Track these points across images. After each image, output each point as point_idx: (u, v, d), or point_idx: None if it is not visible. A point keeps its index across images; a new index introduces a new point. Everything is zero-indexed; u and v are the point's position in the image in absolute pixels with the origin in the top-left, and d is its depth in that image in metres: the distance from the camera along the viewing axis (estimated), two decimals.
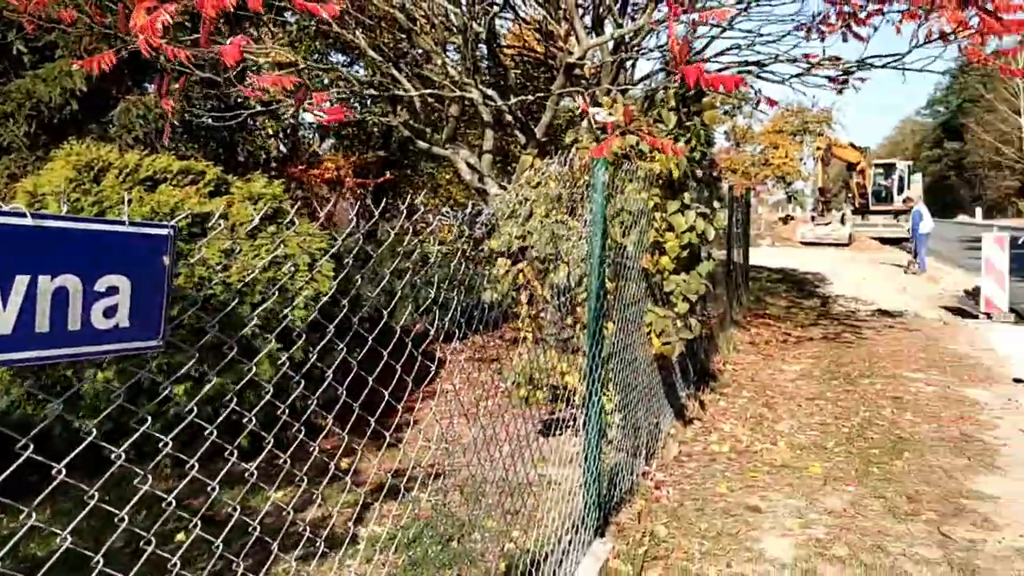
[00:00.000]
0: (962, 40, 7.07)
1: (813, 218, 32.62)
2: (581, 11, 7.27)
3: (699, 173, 5.00)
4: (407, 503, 4.12)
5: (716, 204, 5.09)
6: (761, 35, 9.23)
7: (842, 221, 33.76)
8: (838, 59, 8.90)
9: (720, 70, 10.44)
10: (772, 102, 9.68)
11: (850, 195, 36.51)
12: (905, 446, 5.74)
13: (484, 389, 5.61)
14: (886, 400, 7.04)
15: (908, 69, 8.42)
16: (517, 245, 4.60)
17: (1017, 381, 7.92)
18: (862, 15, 8.07)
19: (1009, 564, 3.91)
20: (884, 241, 31.69)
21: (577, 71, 6.90)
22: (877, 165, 35.42)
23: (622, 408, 4.70)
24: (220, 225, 5.28)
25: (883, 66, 8.40)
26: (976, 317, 12.06)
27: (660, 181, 4.63)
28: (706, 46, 10.39)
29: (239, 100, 10.23)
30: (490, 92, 6.87)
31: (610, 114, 4.31)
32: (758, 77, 9.23)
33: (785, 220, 36.68)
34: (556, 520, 3.70)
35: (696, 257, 5.05)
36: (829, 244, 31.21)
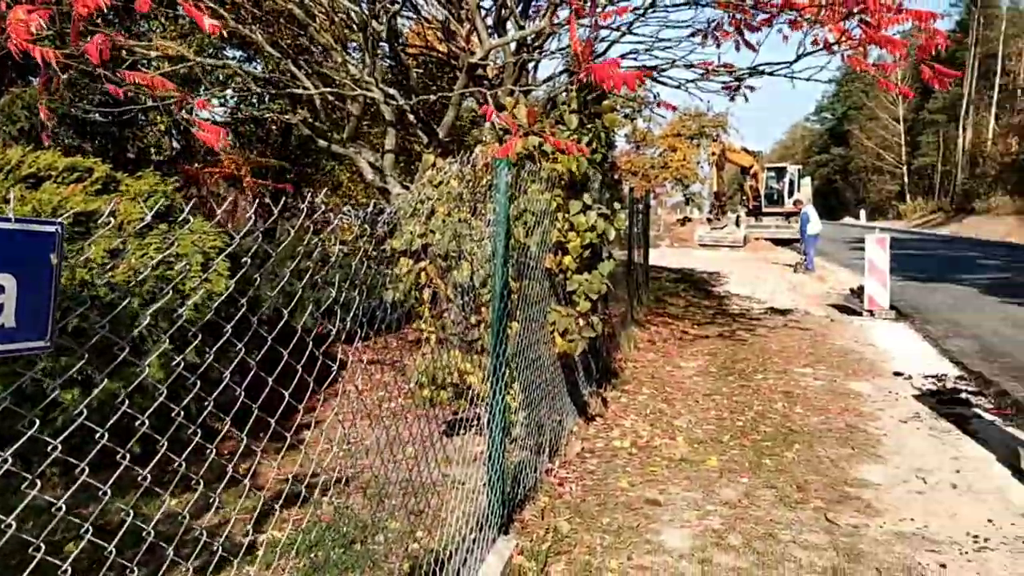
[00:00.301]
0: (845, 50, 7.44)
1: (709, 220, 33.63)
2: (483, 12, 7.30)
3: (600, 175, 5.09)
4: (308, 506, 4.05)
5: (617, 205, 5.20)
6: (660, 40, 9.40)
7: (737, 223, 34.96)
8: (731, 67, 9.22)
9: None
10: (670, 106, 9.94)
11: (744, 198, 37.88)
12: (795, 438, 5.99)
13: (387, 390, 5.56)
14: (778, 395, 7.32)
15: (796, 77, 8.75)
16: (419, 244, 4.58)
17: (897, 374, 8.37)
18: (754, 23, 8.39)
19: (890, 547, 4.13)
20: (776, 242, 32.92)
21: (480, 72, 6.93)
22: (769, 169, 36.80)
23: (526, 406, 4.75)
24: (108, 224, 5.06)
25: (771, 73, 8.74)
26: (860, 314, 12.68)
27: (562, 182, 4.70)
28: (607, 50, 10.59)
29: (129, 95, 9.84)
30: (392, 91, 6.82)
31: (513, 115, 4.35)
32: (656, 81, 9.47)
33: (683, 222, 37.73)
34: (460, 519, 3.70)
35: (598, 257, 5.14)
36: (725, 246, 32.27)
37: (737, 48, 8.90)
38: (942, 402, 7.19)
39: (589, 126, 4.86)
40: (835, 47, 7.60)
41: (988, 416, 6.73)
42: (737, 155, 34.98)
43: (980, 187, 55.75)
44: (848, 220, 70.56)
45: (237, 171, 11.10)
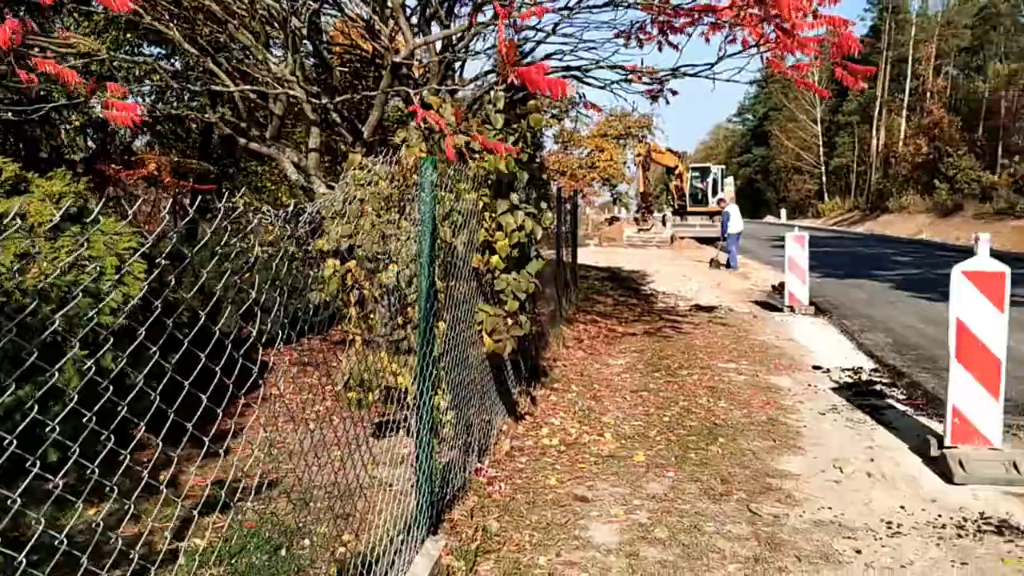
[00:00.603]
0: (764, 52, 7.63)
1: (636, 220, 34.10)
2: (408, 10, 7.26)
3: (528, 174, 5.12)
4: (231, 513, 3.96)
5: (544, 204, 5.23)
6: (584, 41, 9.50)
7: (663, 223, 35.61)
8: (653, 70, 9.37)
9: (546, 75, 10.73)
10: (596, 107, 10.05)
11: (670, 197, 38.58)
12: (719, 432, 6.13)
13: (313, 393, 5.48)
14: (703, 390, 7.48)
15: (717, 78, 8.93)
16: (345, 244, 4.53)
17: (816, 368, 8.63)
18: (676, 24, 8.55)
19: (809, 535, 4.25)
20: (701, 240, 33.59)
21: (405, 71, 6.88)
22: (693, 169, 37.55)
23: (456, 406, 4.73)
24: (16, 227, 4.86)
25: (694, 74, 8.92)
26: (782, 310, 13.03)
27: (489, 181, 4.71)
28: (532, 50, 10.65)
29: (41, 93, 9.47)
30: (314, 90, 6.72)
31: (440, 114, 4.33)
32: (580, 82, 9.57)
33: (611, 221, 38.16)
34: (389, 521, 3.67)
35: (526, 256, 5.16)
36: (653, 245, 32.81)
37: (660, 49, 9.08)
38: (858, 394, 7.45)
39: (515, 126, 4.88)
40: (753, 49, 7.82)
41: (901, 407, 7.00)
42: (662, 156, 35.59)
43: (893, 186, 57.87)
44: (770, 219, 72.44)
45: (156, 171, 10.80)
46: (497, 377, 5.83)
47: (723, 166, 41.11)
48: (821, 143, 75.37)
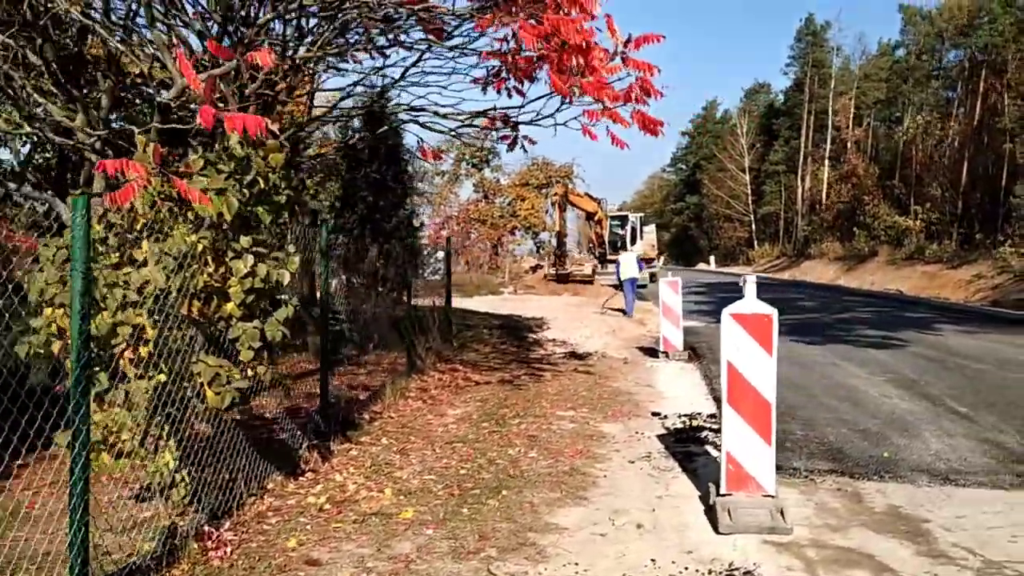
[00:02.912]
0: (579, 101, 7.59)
1: (553, 265, 34.07)
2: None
3: (276, 215, 4.89)
4: None
5: (292, 248, 4.99)
6: (428, 85, 9.41)
7: (592, 271, 35.81)
8: (493, 118, 9.33)
9: (392, 117, 10.67)
10: (436, 155, 9.93)
11: (591, 244, 38.75)
12: (510, 483, 5.88)
13: None
14: (522, 439, 7.24)
15: (562, 125, 8.88)
16: (53, 293, 4.23)
17: (655, 415, 8.48)
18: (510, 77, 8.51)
19: None
20: (618, 287, 33.65)
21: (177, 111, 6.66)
22: (612, 217, 37.87)
23: (187, 464, 4.42)
24: None
25: (529, 122, 8.90)
26: (658, 356, 12.96)
27: (214, 224, 4.47)
28: (386, 90, 10.58)
29: None
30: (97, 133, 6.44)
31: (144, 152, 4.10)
32: (423, 127, 9.47)
33: (534, 269, 38.18)
34: None
35: (276, 303, 4.91)
36: (579, 280, 32.89)
37: (510, 95, 9.03)
38: (679, 440, 7.31)
39: (251, 164, 4.65)
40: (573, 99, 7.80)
41: (716, 452, 6.85)
42: (581, 199, 35.77)
43: (817, 233, 59.32)
44: (702, 266, 73.70)
45: None
46: (257, 434, 5.53)
47: (641, 214, 41.73)
48: (750, 191, 77.14)
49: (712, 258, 75.20)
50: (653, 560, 4.51)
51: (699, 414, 8.40)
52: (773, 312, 5.27)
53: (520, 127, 9.67)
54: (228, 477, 4.95)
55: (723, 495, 5.23)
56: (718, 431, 7.66)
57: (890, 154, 56.75)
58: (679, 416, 8.29)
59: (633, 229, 37.89)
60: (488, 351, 13.38)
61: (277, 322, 4.86)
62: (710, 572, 4.37)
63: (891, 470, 6.25)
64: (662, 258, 78.26)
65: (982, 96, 44.11)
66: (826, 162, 63.82)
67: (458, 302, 23.92)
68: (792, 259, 61.12)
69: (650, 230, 42.92)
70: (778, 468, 6.27)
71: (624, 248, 37.16)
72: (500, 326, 17.47)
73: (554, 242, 34.84)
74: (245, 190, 4.63)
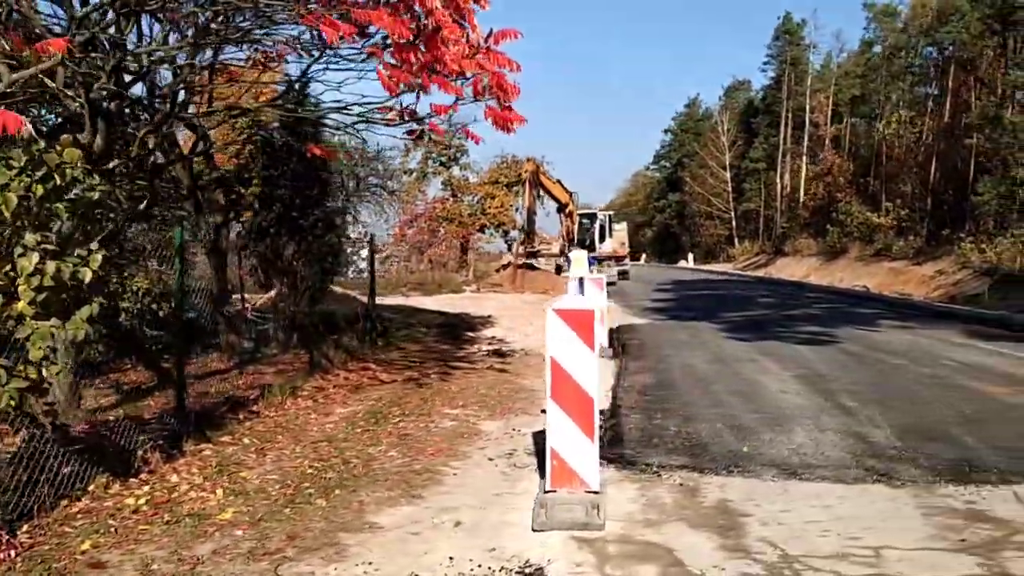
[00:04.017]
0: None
1: (524, 240, 33.89)
2: None
3: (73, 214, 4.80)
4: None
5: (95, 246, 4.90)
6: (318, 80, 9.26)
7: (558, 271, 35.78)
8: (392, 108, 9.25)
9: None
10: (329, 155, 9.81)
11: (562, 239, 38.52)
12: (349, 483, 5.81)
13: None
14: (392, 438, 7.17)
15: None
16: None
17: (544, 412, 8.38)
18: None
19: None
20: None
21: None
22: (582, 214, 37.79)
23: None
24: None
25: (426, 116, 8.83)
26: None
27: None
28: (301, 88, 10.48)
29: None
30: None
31: None
32: (321, 123, 9.38)
33: (505, 267, 38.06)
34: None
35: (81, 300, 4.83)
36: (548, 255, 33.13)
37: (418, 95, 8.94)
38: None
39: (44, 159, 4.56)
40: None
41: None
42: (552, 184, 35.63)
43: (793, 230, 59.39)
44: (683, 263, 73.75)
45: None
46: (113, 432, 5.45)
47: (610, 212, 41.74)
48: (730, 189, 77.26)
49: (691, 256, 75.26)
50: (451, 558, 4.44)
51: None
52: (595, 308, 5.21)
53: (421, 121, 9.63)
54: (28, 479, 4.87)
55: (548, 492, 5.19)
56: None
57: (869, 151, 56.79)
58: None
59: (602, 227, 37.89)
60: (415, 350, 13.31)
61: (81, 320, 4.77)
62: (501, 569, 4.31)
63: (743, 465, 6.20)
64: (643, 256, 78.52)
65: (953, 92, 44.21)
66: (804, 159, 63.95)
67: (415, 301, 23.90)
68: (771, 256, 61.12)
69: (620, 228, 42.93)
70: (632, 464, 6.32)
71: (592, 247, 37.18)
72: (442, 324, 17.40)
73: (524, 219, 34.62)
74: (39, 186, 4.54)
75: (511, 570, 4.31)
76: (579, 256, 22.05)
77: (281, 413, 8.11)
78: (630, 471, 6.16)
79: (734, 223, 76.66)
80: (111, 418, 6.74)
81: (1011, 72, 34.07)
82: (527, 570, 4.31)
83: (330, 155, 8.69)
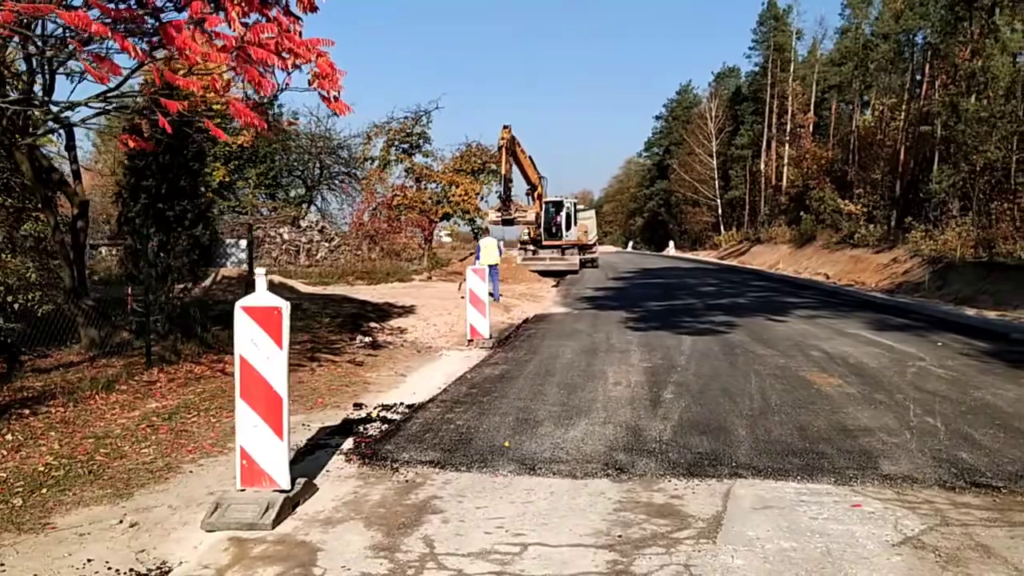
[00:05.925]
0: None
1: (499, 208, 33.81)
2: None
3: None
4: None
5: None
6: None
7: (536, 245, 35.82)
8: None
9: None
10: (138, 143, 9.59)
11: (526, 227, 38.26)
12: (65, 482, 5.68)
13: None
14: (166, 435, 7.03)
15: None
16: None
17: (356, 406, 8.28)
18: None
19: None
20: (544, 274, 33.27)
21: None
22: (548, 202, 37.56)
23: None
24: None
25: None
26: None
27: None
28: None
29: None
30: None
31: None
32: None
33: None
34: None
35: None
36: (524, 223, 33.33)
37: None
38: (337, 432, 7.14)
39: None
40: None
41: (351, 444, 6.70)
42: (526, 160, 35.49)
43: (772, 218, 59.10)
44: (668, 251, 73.60)
45: None
46: None
47: (576, 200, 41.52)
48: (717, 176, 76.91)
49: (672, 244, 75.11)
50: (90, 560, 4.35)
51: (399, 405, 8.25)
52: (283, 305, 5.09)
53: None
54: None
55: (240, 491, 5.09)
56: (388, 421, 7.55)
57: (854, 138, 56.35)
58: (379, 407, 8.13)
59: (568, 215, 37.69)
60: (304, 339, 13.18)
61: None
62: (130, 571, 4.22)
63: (487, 461, 6.07)
64: (632, 244, 78.10)
65: (928, 81, 43.77)
66: (786, 147, 63.53)
67: (355, 290, 23.74)
68: (753, 243, 60.89)
69: (587, 216, 42.83)
70: (382, 460, 6.23)
71: (558, 235, 37.02)
72: (352, 314, 17.20)
73: (500, 187, 34.43)
74: None
75: (140, 573, 4.22)
76: (488, 243, 21.99)
77: (82, 408, 7.98)
78: (372, 467, 6.06)
79: (720, 210, 76.34)
80: None
81: (974, 59, 33.64)
82: (151, 572, 4.22)
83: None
